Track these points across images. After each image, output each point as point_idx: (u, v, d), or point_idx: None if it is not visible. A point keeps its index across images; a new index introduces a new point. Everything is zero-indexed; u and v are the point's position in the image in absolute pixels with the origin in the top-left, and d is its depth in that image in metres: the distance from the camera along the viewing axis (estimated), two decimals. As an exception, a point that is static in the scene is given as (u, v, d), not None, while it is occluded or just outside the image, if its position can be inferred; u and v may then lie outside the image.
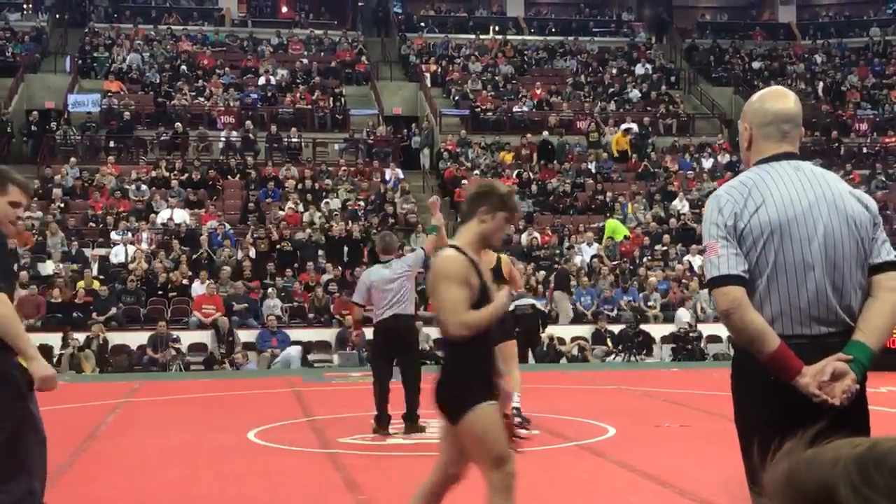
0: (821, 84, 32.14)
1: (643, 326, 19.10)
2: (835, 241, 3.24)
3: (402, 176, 25.42)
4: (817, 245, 3.23)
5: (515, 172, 25.46)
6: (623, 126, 27.58)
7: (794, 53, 34.26)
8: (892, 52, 33.99)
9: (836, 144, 28.78)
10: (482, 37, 33.69)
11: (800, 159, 3.40)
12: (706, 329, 18.90)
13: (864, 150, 28.94)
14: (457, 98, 29.48)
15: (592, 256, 21.63)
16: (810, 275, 3.23)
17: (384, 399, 9.43)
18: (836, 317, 3.23)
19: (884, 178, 27.11)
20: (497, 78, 30.84)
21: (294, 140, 26.74)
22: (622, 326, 19.04)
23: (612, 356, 18.60)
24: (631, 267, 21.44)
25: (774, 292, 3.24)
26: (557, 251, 22.18)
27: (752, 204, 3.27)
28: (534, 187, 24.83)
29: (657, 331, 19.28)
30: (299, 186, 23.83)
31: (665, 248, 22.43)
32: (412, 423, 9.45)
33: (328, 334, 18.94)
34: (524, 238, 22.23)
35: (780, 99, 3.43)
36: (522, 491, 4.59)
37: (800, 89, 31.02)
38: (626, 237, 22.50)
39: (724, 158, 27.17)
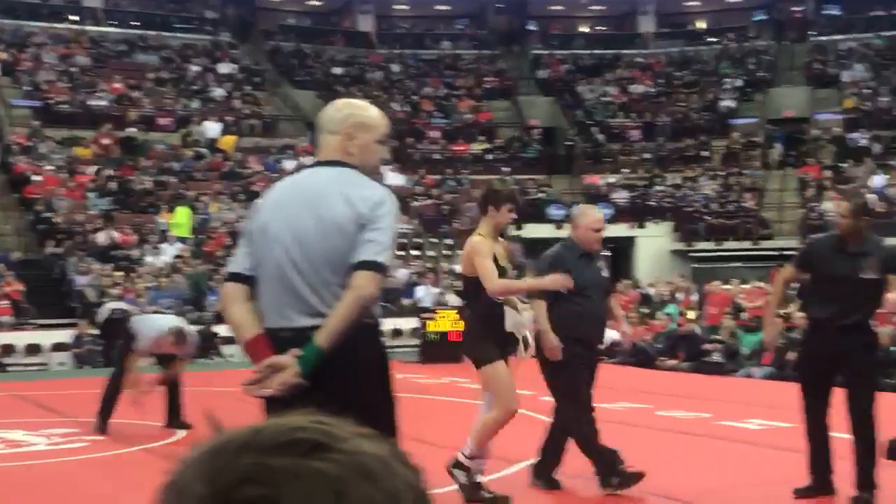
0: (397, 92, 33.80)
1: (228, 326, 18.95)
2: (308, 241, 3.41)
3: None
4: (291, 244, 3.43)
5: (94, 169, 24.42)
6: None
7: (372, 62, 35.70)
8: (462, 64, 36.45)
9: (411, 150, 30.44)
10: (56, 26, 31.94)
11: (335, 165, 3.54)
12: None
13: (436, 156, 30.82)
14: (28, 89, 27.75)
15: (175, 256, 21.25)
16: (285, 272, 3.42)
17: None
18: (317, 311, 3.38)
19: (454, 183, 29.05)
20: (73, 69, 29.40)
21: None
22: (202, 327, 18.79)
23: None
24: (214, 267, 21.30)
25: (263, 288, 3.49)
26: (138, 251, 21.56)
27: (260, 207, 3.61)
28: (113, 185, 23.96)
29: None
30: None
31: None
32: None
33: None
34: (101, 237, 21.37)
35: (331, 109, 3.65)
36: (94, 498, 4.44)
37: (377, 97, 32.44)
38: (190, 237, 22.29)
39: (308, 160, 27.75)
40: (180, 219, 22.42)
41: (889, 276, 5.98)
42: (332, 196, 3.43)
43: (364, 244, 3.36)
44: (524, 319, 6.05)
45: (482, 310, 5.93)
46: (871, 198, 25.82)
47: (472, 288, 6.00)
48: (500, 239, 6.14)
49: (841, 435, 6.16)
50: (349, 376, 3.33)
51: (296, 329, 3.37)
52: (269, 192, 3.66)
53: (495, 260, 5.90)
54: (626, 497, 6.23)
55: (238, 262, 3.58)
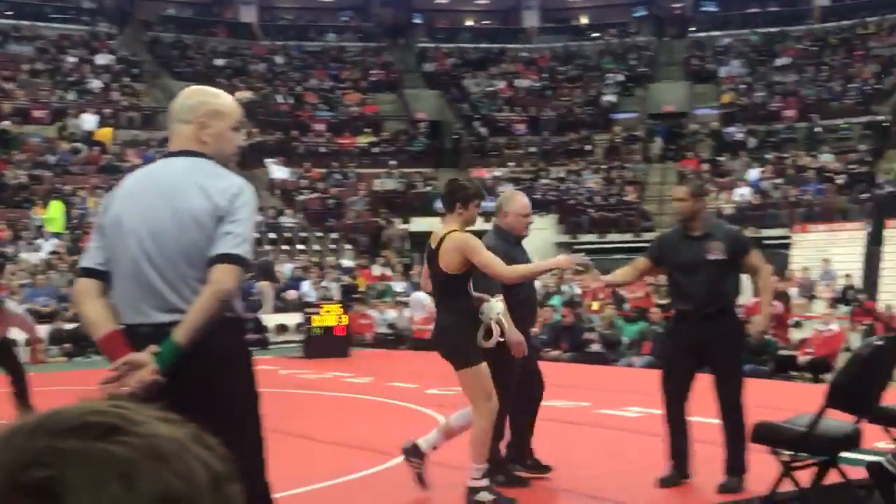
0: (281, 85, 33.43)
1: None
2: (163, 234, 3.32)
3: None
4: (145, 238, 3.33)
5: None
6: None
7: (255, 53, 35.25)
8: (347, 57, 36.26)
9: (296, 143, 30.15)
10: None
11: (189, 155, 3.45)
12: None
13: (322, 149, 30.59)
14: None
15: (51, 252, 20.65)
16: (140, 267, 3.33)
17: None
18: (174, 306, 3.30)
19: (339, 176, 28.87)
20: (-59, 60, 28.33)
21: None
22: (79, 325, 18.33)
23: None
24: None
25: (117, 283, 3.39)
26: (12, 247, 20.88)
27: (111, 200, 3.47)
28: (-15, 179, 23.17)
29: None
30: None
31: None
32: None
33: None
34: (-27, 233, 20.65)
35: (185, 98, 3.54)
36: None
37: (261, 89, 32.05)
38: (64, 232, 21.74)
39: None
40: (53, 213, 21.81)
41: (740, 258, 6.17)
42: (187, 188, 3.35)
43: (222, 237, 3.28)
44: (496, 307, 5.76)
45: (464, 308, 5.66)
46: (746, 191, 26.62)
47: (453, 285, 5.65)
48: None
49: (710, 420, 6.29)
50: (209, 371, 3.26)
51: (153, 325, 3.29)
52: (120, 184, 3.53)
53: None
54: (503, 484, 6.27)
55: (90, 256, 3.46)
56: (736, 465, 5.97)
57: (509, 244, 6.31)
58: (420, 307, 18.96)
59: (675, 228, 6.40)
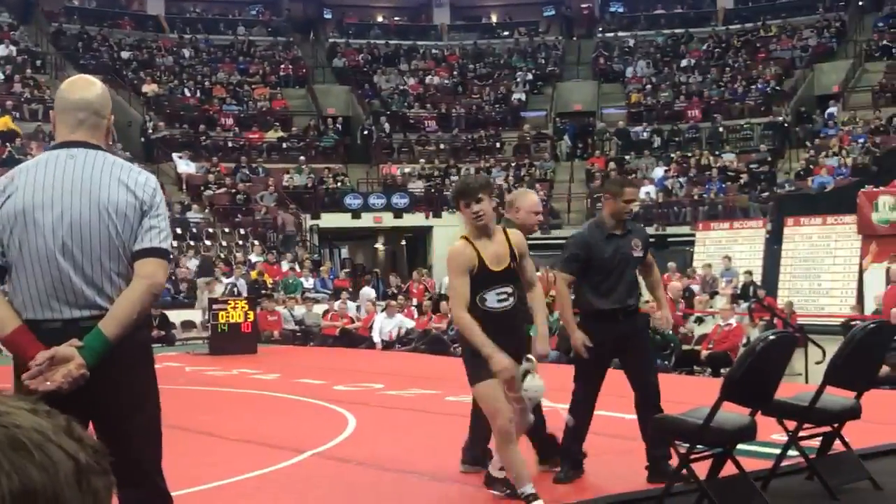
0: (189, 78, 32.95)
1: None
2: (82, 227, 3.27)
3: None
4: (62, 232, 3.27)
5: None
6: None
7: (163, 46, 34.67)
8: (256, 51, 35.89)
9: (204, 138, 29.75)
10: None
11: (92, 148, 3.39)
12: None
13: (230, 144, 30.23)
14: None
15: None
16: (54, 261, 3.26)
17: None
18: (89, 301, 3.27)
19: (247, 171, 28.58)
20: None
21: None
22: None
23: None
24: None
25: (23, 278, 3.29)
26: None
27: (7, 191, 3.32)
28: None
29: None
30: None
31: None
32: None
33: None
34: None
35: (81, 88, 3.45)
36: None
37: (168, 82, 31.57)
38: None
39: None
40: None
41: (647, 254, 6.38)
42: (107, 181, 3.31)
43: (147, 231, 3.29)
44: (536, 385, 5.22)
45: (478, 316, 5.19)
46: (652, 189, 27.08)
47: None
48: (495, 231, 5.33)
49: (621, 415, 6.41)
50: (129, 366, 3.26)
51: (63, 320, 3.24)
52: (17, 175, 3.38)
53: (482, 264, 5.19)
54: (434, 480, 6.29)
55: None
56: (658, 456, 6.04)
57: None
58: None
59: (592, 229, 6.40)
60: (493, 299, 5.23)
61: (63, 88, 3.46)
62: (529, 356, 5.23)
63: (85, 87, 3.45)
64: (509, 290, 5.26)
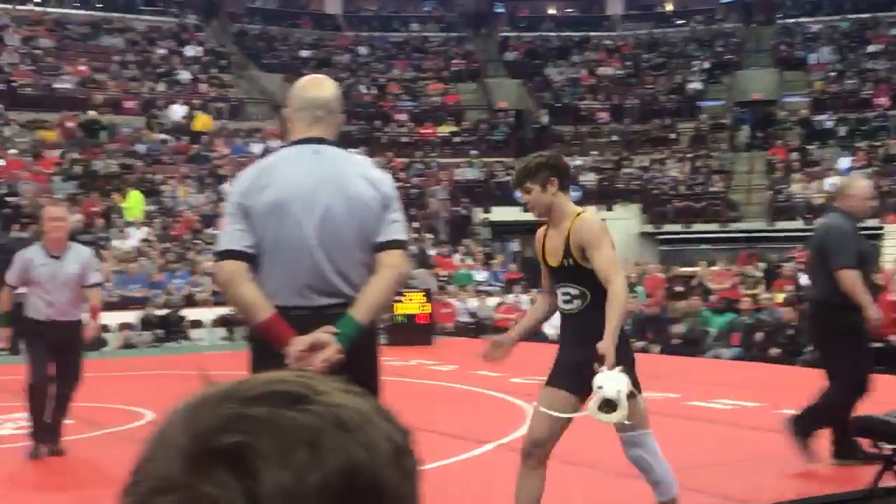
0: (364, 75, 33.63)
1: (196, 310, 18.83)
2: (335, 219, 3.42)
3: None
4: (316, 223, 3.40)
5: (59, 153, 24.15)
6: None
7: (339, 44, 35.50)
8: (429, 47, 36.33)
9: (379, 133, 30.32)
10: (19, 7, 31.51)
11: (329, 144, 3.56)
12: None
13: (404, 139, 30.70)
14: (-9, 72, 27.42)
15: (142, 240, 21.09)
16: (307, 251, 3.40)
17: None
18: (336, 290, 3.41)
19: (421, 166, 28.97)
20: (37, 52, 29.03)
21: None
22: (170, 311, 18.68)
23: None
24: (181, 251, 21.15)
25: (276, 266, 3.41)
26: (105, 234, 21.36)
27: (261, 184, 3.44)
28: (78, 168, 23.71)
29: (209, 314, 19.09)
30: None
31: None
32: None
33: None
34: (67, 221, 21.12)
35: (316, 86, 3.60)
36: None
37: (344, 80, 32.29)
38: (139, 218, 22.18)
39: (275, 143, 27.58)
40: (132, 203, 22.36)
41: None
42: (353, 177, 3.49)
43: (390, 224, 3.47)
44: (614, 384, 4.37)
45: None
46: (837, 180, 26.03)
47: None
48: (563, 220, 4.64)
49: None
50: (365, 347, 3.44)
51: (313, 308, 3.40)
52: (269, 169, 3.51)
53: (543, 256, 4.70)
54: (591, 475, 6.23)
55: (237, 239, 3.42)
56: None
57: (853, 227, 6.39)
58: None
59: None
60: (560, 299, 4.63)
61: (299, 87, 3.62)
62: (599, 366, 4.35)
63: (320, 86, 3.62)
64: (572, 291, 4.54)
